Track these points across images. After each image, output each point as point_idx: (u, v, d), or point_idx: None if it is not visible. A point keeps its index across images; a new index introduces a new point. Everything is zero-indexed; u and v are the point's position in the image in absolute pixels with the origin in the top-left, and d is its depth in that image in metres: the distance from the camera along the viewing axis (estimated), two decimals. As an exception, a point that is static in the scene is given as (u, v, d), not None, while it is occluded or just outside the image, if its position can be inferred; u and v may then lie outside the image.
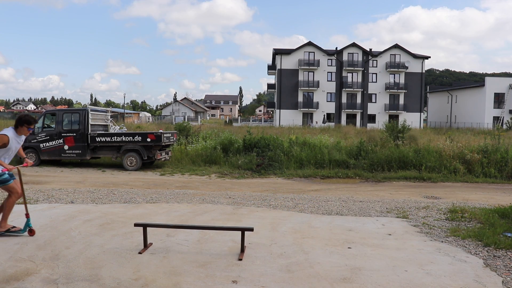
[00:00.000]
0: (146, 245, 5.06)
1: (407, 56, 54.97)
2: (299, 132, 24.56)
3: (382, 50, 55.70)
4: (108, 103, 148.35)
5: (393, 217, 7.13)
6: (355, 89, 54.53)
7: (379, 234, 5.87)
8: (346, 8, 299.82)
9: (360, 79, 54.92)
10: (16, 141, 5.38)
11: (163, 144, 14.31)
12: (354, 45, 55.21)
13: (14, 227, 5.53)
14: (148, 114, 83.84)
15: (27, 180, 11.43)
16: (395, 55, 55.14)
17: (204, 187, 10.61)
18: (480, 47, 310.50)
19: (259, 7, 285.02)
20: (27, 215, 5.44)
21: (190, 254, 4.87)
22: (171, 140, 15.10)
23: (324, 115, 54.09)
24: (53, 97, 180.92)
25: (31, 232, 5.46)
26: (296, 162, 14.14)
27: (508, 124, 43.74)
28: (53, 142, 14.59)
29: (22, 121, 5.35)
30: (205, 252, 4.97)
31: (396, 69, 54.41)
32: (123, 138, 14.18)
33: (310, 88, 54.45)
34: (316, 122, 51.80)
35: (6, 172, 5.34)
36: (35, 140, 14.68)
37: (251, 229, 5.01)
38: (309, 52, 54.89)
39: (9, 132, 5.29)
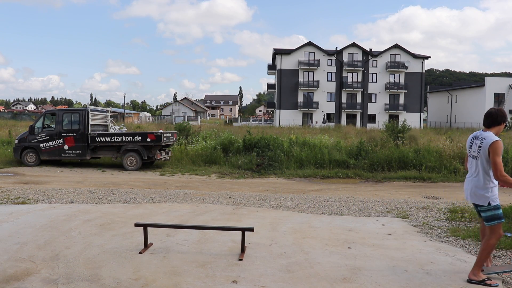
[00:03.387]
0: (146, 245, 5.07)
1: (407, 56, 54.96)
2: (299, 132, 24.55)
3: (382, 50, 55.69)
4: (108, 103, 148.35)
5: (393, 217, 7.13)
6: (355, 89, 54.52)
7: (379, 234, 5.87)
8: (346, 8, 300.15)
9: (360, 79, 54.91)
10: None
11: (163, 144, 14.31)
12: (354, 45, 55.20)
13: (489, 279, 4.08)
14: (148, 114, 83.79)
15: (27, 180, 11.43)
16: (395, 55, 55.14)
17: (204, 187, 10.61)
18: (480, 47, 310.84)
19: (259, 7, 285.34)
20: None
21: (190, 254, 4.88)
22: (171, 140, 15.10)
23: (324, 115, 54.08)
24: (53, 97, 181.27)
25: None
26: (296, 162, 14.13)
27: (508, 124, 43.75)
28: (53, 142, 14.59)
29: (504, 117, 4.07)
30: (205, 252, 4.97)
31: (396, 69, 54.40)
32: (123, 138, 14.18)
33: (310, 88, 54.44)
34: (316, 122, 51.78)
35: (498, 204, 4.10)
36: (35, 140, 14.68)
37: (252, 229, 5.01)
38: (309, 52, 54.88)
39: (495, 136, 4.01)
